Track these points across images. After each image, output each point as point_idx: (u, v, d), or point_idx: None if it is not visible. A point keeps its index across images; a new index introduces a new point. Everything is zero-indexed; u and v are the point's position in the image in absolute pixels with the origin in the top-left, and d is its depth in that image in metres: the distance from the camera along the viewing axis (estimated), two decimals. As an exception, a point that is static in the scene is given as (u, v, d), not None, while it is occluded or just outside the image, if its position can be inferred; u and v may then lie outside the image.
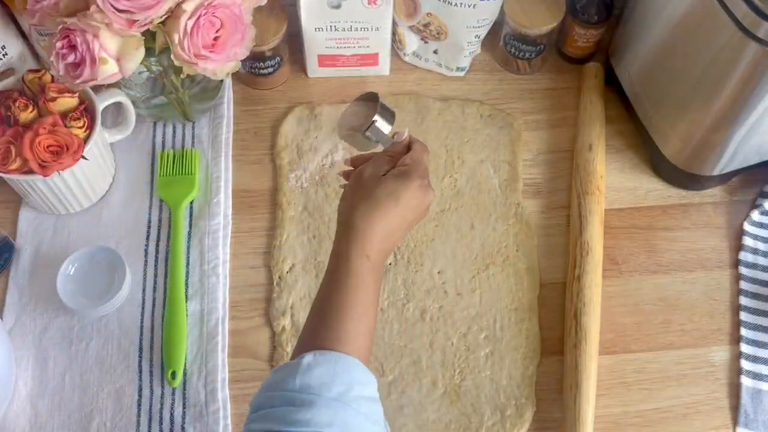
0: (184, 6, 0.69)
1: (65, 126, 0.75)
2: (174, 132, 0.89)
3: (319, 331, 0.58)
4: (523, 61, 0.93)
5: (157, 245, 0.82)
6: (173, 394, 0.75)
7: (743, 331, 0.79)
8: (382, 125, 0.67)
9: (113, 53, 0.70)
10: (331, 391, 0.52)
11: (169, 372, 0.75)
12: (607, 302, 0.80)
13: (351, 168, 0.69)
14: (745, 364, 0.77)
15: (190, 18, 0.69)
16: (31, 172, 0.74)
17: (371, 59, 0.92)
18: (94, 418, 0.73)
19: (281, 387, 0.54)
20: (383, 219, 0.61)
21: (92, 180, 0.82)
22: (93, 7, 0.67)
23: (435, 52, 0.93)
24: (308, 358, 0.54)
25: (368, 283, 0.60)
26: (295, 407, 0.51)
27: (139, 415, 0.74)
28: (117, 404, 0.74)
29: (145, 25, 0.68)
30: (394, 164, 0.64)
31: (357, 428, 0.52)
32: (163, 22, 0.70)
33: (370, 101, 0.69)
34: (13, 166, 0.74)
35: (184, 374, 0.76)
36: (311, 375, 0.53)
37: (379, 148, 0.67)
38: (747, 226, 0.85)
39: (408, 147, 0.67)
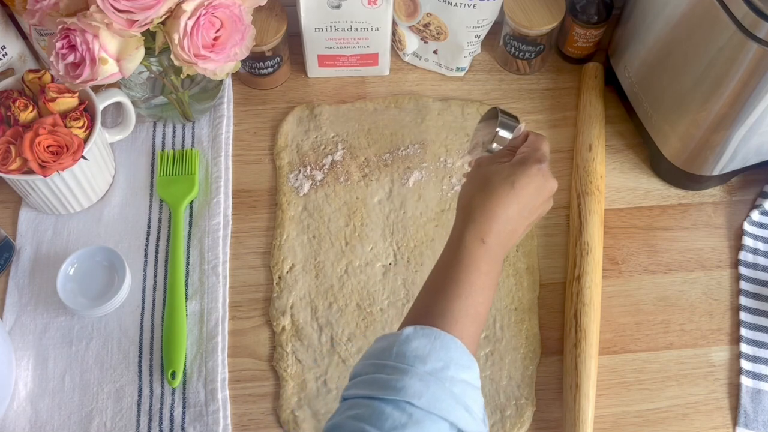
0: (184, 6, 0.69)
1: (65, 126, 0.75)
2: (174, 132, 0.90)
3: (425, 306, 0.58)
4: (523, 61, 0.93)
5: (157, 245, 0.82)
6: (173, 394, 0.75)
7: (743, 331, 0.79)
8: (505, 134, 0.68)
9: (113, 53, 0.70)
10: (426, 365, 0.52)
11: (169, 372, 0.75)
12: (607, 302, 0.80)
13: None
14: (745, 364, 0.77)
15: (190, 18, 0.69)
16: (31, 172, 0.74)
17: (371, 59, 0.92)
18: (94, 418, 0.74)
19: (378, 356, 0.54)
20: (500, 204, 0.60)
21: (92, 180, 0.82)
22: (93, 7, 0.67)
23: (435, 52, 0.93)
24: (408, 330, 0.54)
25: (480, 267, 0.59)
26: (387, 375, 0.51)
27: (139, 415, 0.74)
28: (117, 404, 0.74)
29: (145, 25, 0.68)
30: (512, 155, 0.65)
31: (446, 409, 0.51)
32: (163, 22, 0.70)
33: (491, 118, 0.70)
34: (13, 166, 0.74)
35: (184, 374, 0.76)
36: (408, 346, 0.53)
37: None
38: (747, 226, 0.85)
39: (524, 139, 0.67)
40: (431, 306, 0.57)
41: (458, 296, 0.57)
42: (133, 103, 0.84)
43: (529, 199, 0.62)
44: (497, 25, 0.91)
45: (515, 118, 0.69)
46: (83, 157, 0.76)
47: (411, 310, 0.59)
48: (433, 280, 0.60)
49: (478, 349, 0.58)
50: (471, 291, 0.58)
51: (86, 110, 0.78)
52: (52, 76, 0.77)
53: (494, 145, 0.68)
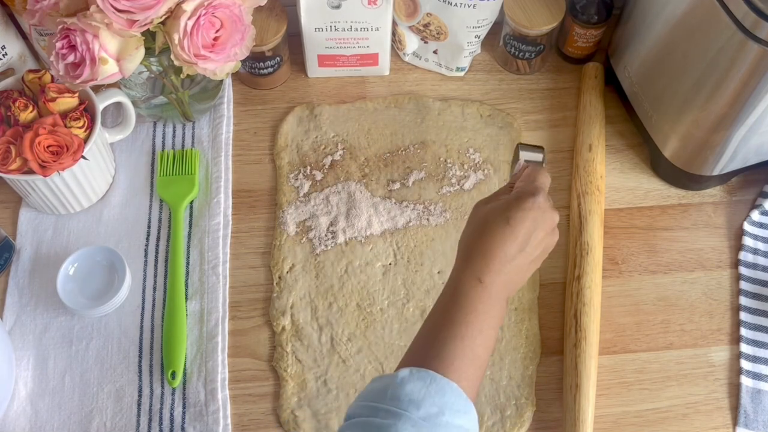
0: (184, 6, 0.69)
1: (65, 126, 0.75)
2: (174, 132, 0.90)
3: (422, 348, 0.56)
4: (523, 61, 0.93)
5: (157, 245, 0.82)
6: (173, 393, 0.75)
7: (743, 331, 0.79)
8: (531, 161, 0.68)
9: (113, 53, 0.70)
10: (420, 410, 0.50)
11: (169, 372, 0.75)
12: (607, 302, 0.80)
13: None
14: (745, 364, 0.77)
15: (190, 18, 0.69)
16: (31, 172, 0.74)
17: (371, 59, 0.92)
18: (94, 418, 0.74)
19: (373, 398, 0.52)
20: (496, 242, 0.58)
21: (92, 180, 0.82)
22: (93, 7, 0.67)
23: (435, 52, 0.93)
24: (404, 372, 0.53)
25: (477, 307, 0.57)
26: (380, 419, 0.50)
27: (139, 415, 0.74)
28: (117, 404, 0.74)
29: (145, 25, 0.68)
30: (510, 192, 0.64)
31: None
32: (163, 22, 0.70)
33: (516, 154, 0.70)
34: (13, 166, 0.74)
35: (184, 374, 0.76)
36: (403, 390, 0.51)
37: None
38: (747, 226, 0.85)
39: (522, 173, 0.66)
40: (427, 348, 0.56)
41: (454, 337, 0.55)
42: (133, 103, 0.84)
43: (526, 234, 0.59)
44: (497, 25, 0.91)
45: (540, 148, 0.69)
46: (83, 157, 0.76)
47: (408, 352, 0.58)
48: (430, 321, 0.58)
49: (479, 391, 0.56)
50: (468, 332, 0.56)
51: (86, 110, 0.78)
52: (52, 76, 0.77)
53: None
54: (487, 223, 0.60)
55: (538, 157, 0.68)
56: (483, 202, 0.63)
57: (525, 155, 0.68)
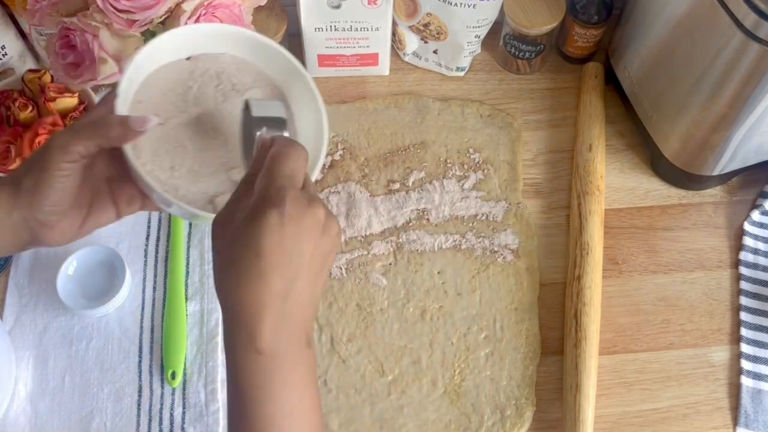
0: (184, 6, 0.69)
1: (65, 126, 0.75)
2: (174, 132, 0.89)
3: None
4: (523, 61, 0.93)
5: (157, 245, 0.82)
6: (173, 394, 0.75)
7: (743, 331, 0.79)
8: (274, 132, 0.50)
9: (113, 53, 0.70)
10: None
11: (169, 372, 0.75)
12: (607, 302, 0.80)
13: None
14: (746, 365, 0.77)
15: (189, 18, 0.69)
16: (30, 172, 0.74)
17: (371, 59, 0.92)
18: (94, 418, 0.73)
19: None
20: (256, 288, 0.43)
21: (92, 180, 0.82)
22: (93, 7, 0.67)
23: (435, 52, 0.92)
24: None
25: (271, 390, 0.44)
26: None
27: (139, 416, 0.74)
28: (117, 404, 0.74)
29: (144, 25, 0.68)
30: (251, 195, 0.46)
31: None
32: (162, 22, 0.70)
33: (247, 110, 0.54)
34: (13, 166, 0.74)
35: (184, 374, 0.76)
36: None
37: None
38: (747, 226, 0.85)
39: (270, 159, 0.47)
40: None
41: None
42: (133, 103, 0.84)
43: (289, 257, 0.44)
44: (497, 25, 0.91)
45: (278, 104, 0.52)
46: (83, 157, 0.76)
47: None
48: (231, 426, 0.46)
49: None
50: (274, 422, 0.44)
51: (86, 110, 0.78)
52: (51, 76, 0.77)
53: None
54: (235, 262, 0.44)
55: (275, 111, 0.49)
56: (221, 223, 0.46)
57: (257, 111, 0.50)
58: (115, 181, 0.54)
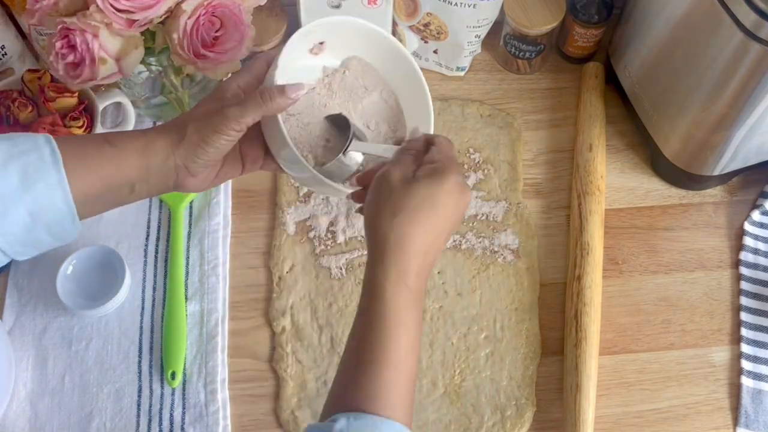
0: (184, 6, 0.69)
1: (65, 126, 0.75)
2: (174, 132, 0.89)
3: (354, 385, 0.50)
4: (523, 60, 0.93)
5: (157, 245, 0.82)
6: (173, 394, 0.75)
7: (744, 332, 0.79)
8: (360, 145, 0.61)
9: (113, 53, 0.70)
10: None
11: (169, 372, 0.75)
12: (607, 302, 0.80)
13: (359, 188, 0.60)
14: (746, 365, 0.77)
15: (189, 18, 0.69)
16: (30, 172, 0.74)
17: (371, 59, 0.92)
18: (93, 419, 0.73)
19: None
20: (422, 233, 0.51)
21: (92, 180, 0.81)
22: (92, 7, 0.67)
23: (435, 51, 0.92)
24: (341, 423, 0.47)
25: (408, 321, 0.51)
26: None
27: (138, 416, 0.74)
28: (117, 404, 0.74)
29: (144, 24, 0.68)
30: (419, 163, 0.55)
31: None
32: (162, 22, 0.70)
33: (336, 125, 0.63)
34: (13, 166, 0.74)
35: (184, 374, 0.75)
36: None
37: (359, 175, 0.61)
38: (747, 226, 0.85)
39: (428, 142, 0.58)
40: (361, 384, 0.50)
41: (388, 366, 0.50)
42: (133, 102, 0.84)
43: (448, 219, 0.53)
44: (497, 25, 0.91)
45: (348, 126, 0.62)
46: (83, 157, 0.76)
47: (337, 385, 0.52)
48: (356, 346, 0.52)
49: (413, 405, 0.51)
50: (400, 355, 0.50)
51: (86, 110, 0.78)
52: (51, 76, 0.77)
53: (345, 156, 0.60)
54: (410, 208, 0.52)
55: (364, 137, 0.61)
56: (395, 173, 0.54)
57: (356, 143, 0.60)
58: (246, 140, 0.61)
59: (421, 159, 0.56)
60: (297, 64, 0.64)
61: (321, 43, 0.65)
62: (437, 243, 0.53)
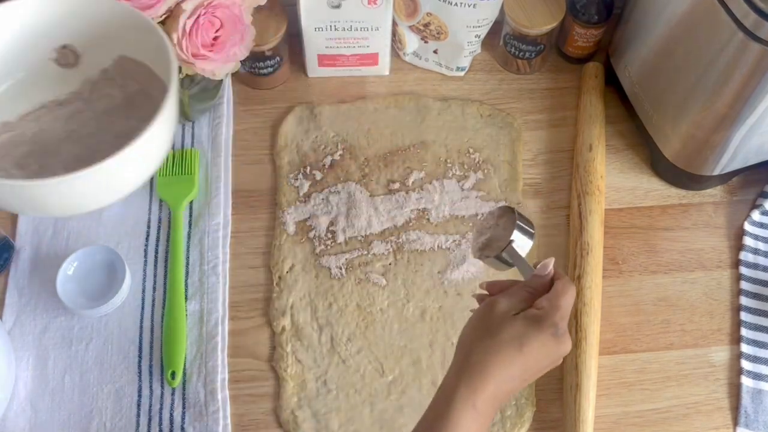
0: (184, 6, 0.69)
1: (65, 126, 0.75)
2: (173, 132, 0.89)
3: None
4: (523, 61, 0.93)
5: (157, 245, 0.82)
6: (173, 394, 0.75)
7: (744, 331, 0.79)
8: (521, 246, 0.60)
9: (113, 53, 0.70)
10: None
11: (169, 372, 0.75)
12: (607, 302, 0.80)
13: (485, 292, 0.63)
14: (746, 365, 0.77)
15: (189, 18, 0.69)
16: (30, 172, 0.74)
17: (371, 59, 0.92)
18: (93, 418, 0.73)
19: None
20: (501, 365, 0.55)
21: (92, 180, 0.82)
22: (92, 7, 0.67)
23: (435, 51, 0.92)
24: None
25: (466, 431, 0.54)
26: None
27: (138, 416, 0.74)
28: (117, 404, 0.74)
29: (144, 25, 0.68)
30: (531, 302, 0.58)
31: None
32: (162, 22, 0.70)
33: (506, 215, 0.63)
34: (13, 166, 0.74)
35: (184, 374, 0.76)
36: None
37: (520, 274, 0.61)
38: (747, 226, 0.85)
39: (551, 282, 0.59)
40: None
41: None
42: (133, 103, 0.84)
43: (535, 363, 0.56)
44: (497, 25, 0.91)
45: (532, 230, 0.62)
46: (83, 157, 0.76)
47: None
48: None
49: None
50: None
51: (86, 110, 0.78)
52: (51, 76, 0.77)
53: (504, 255, 0.61)
54: (498, 339, 0.56)
55: (530, 237, 0.61)
56: (500, 304, 0.58)
57: (518, 242, 0.60)
58: None
59: (536, 298, 0.58)
60: None
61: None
62: (518, 380, 0.56)
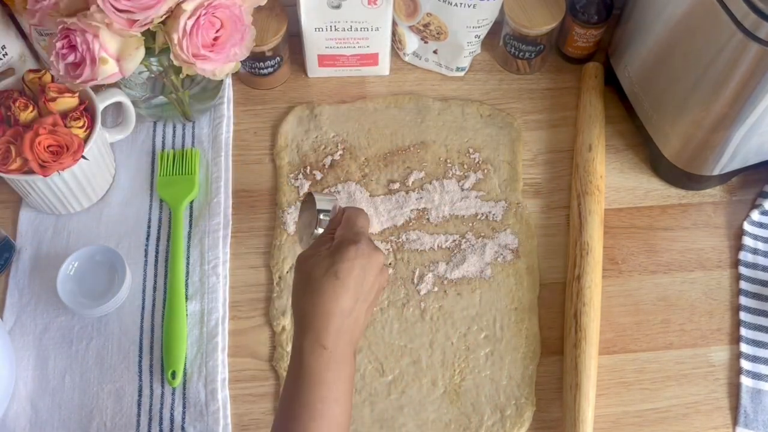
0: (184, 6, 0.69)
1: (65, 126, 0.75)
2: (174, 132, 0.90)
3: None
4: (523, 61, 0.93)
5: (157, 245, 0.82)
6: (173, 393, 0.75)
7: (743, 331, 0.79)
8: (327, 216, 0.68)
9: (113, 53, 0.70)
10: None
11: (169, 372, 0.75)
12: (606, 302, 0.80)
13: None
14: (745, 364, 0.77)
15: (189, 18, 0.69)
16: (31, 172, 0.74)
17: (371, 59, 0.92)
18: (94, 418, 0.74)
19: None
20: (329, 300, 0.57)
21: (92, 180, 0.82)
22: (93, 7, 0.67)
23: (435, 52, 0.93)
24: None
25: (327, 378, 0.56)
26: None
27: (139, 415, 0.74)
28: (117, 404, 0.74)
29: (145, 25, 0.68)
30: (332, 240, 0.62)
31: None
32: (163, 22, 0.70)
33: (309, 203, 0.70)
34: (13, 166, 0.74)
35: (184, 374, 0.76)
36: None
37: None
38: (747, 226, 0.85)
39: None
40: None
41: (312, 419, 0.55)
42: (133, 103, 0.84)
43: (357, 283, 0.59)
44: (497, 25, 0.91)
45: (333, 198, 0.69)
46: (83, 157, 0.76)
47: None
48: (284, 404, 0.57)
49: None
50: (324, 408, 0.55)
51: (86, 110, 0.78)
52: (52, 76, 0.77)
53: (319, 230, 0.67)
54: (315, 281, 0.58)
55: (328, 205, 0.68)
56: (306, 256, 0.62)
57: (324, 216, 0.68)
58: None
59: (333, 237, 0.63)
60: None
61: None
62: (356, 309, 0.59)
